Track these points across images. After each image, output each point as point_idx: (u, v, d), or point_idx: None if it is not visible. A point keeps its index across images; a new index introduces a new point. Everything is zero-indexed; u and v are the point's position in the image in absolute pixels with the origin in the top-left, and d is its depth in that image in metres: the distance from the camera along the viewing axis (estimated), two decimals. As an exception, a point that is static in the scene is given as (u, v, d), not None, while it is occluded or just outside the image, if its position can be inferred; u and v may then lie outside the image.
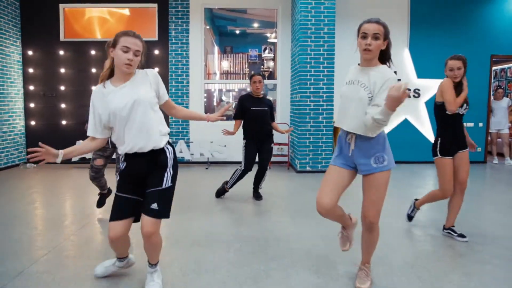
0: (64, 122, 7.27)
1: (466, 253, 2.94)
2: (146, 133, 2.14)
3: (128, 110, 2.10)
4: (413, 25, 7.35)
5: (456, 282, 2.44)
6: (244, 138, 4.59)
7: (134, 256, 2.66)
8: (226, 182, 4.63)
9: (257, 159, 4.60)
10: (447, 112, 3.09)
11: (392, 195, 4.04)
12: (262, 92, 4.56)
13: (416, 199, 3.64)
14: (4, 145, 6.67)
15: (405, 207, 4.10)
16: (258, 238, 3.24)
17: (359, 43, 2.18)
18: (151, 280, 2.29)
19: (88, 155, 6.82)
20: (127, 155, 2.22)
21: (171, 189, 2.21)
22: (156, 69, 7.14)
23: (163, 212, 2.15)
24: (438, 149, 3.19)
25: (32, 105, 7.21)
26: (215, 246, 3.06)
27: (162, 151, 2.22)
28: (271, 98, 6.92)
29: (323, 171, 6.21)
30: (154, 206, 2.12)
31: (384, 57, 2.23)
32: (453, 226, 3.28)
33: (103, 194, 4.03)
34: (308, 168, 6.45)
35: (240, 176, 4.55)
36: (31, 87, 7.19)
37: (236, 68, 10.47)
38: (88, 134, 2.23)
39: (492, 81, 10.02)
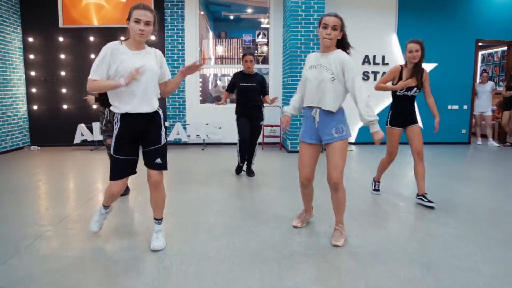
0: (65, 107, 7.55)
1: (432, 218, 3.31)
2: (149, 96, 2.47)
3: (144, 75, 2.40)
4: (401, 11, 7.60)
5: (421, 240, 2.81)
6: (235, 113, 4.87)
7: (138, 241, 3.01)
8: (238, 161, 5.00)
9: None
10: (396, 93, 3.63)
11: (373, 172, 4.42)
12: (255, 71, 4.85)
13: (374, 178, 4.09)
14: (9, 128, 6.96)
15: (388, 180, 4.47)
16: (249, 207, 3.60)
17: (320, 32, 2.58)
18: (156, 237, 2.64)
19: (95, 137, 7.13)
20: (124, 116, 2.46)
21: (166, 145, 2.60)
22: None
23: (165, 165, 2.57)
24: (388, 120, 3.72)
25: (34, 90, 7.48)
26: (211, 213, 3.42)
27: (156, 112, 2.54)
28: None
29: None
30: (158, 161, 2.52)
31: (343, 45, 2.66)
32: (425, 193, 3.65)
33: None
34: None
35: (241, 148, 4.85)
36: (32, 73, 7.45)
37: (231, 53, 10.69)
38: (93, 78, 2.40)
39: (480, 65, 10.36)
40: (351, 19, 7.51)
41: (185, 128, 7.50)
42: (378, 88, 3.67)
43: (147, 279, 2.21)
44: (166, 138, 2.60)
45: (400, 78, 3.61)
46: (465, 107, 8.04)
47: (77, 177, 5.11)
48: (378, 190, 4.05)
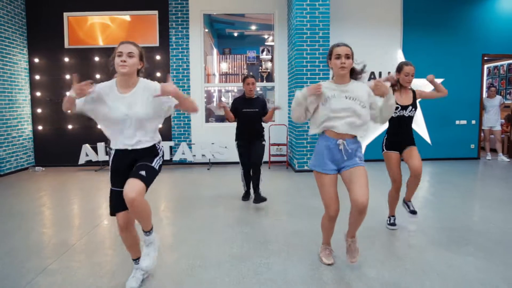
0: (70, 127, 7.52)
1: (451, 247, 3.18)
2: (138, 135, 2.39)
3: (122, 120, 2.34)
4: (406, 26, 7.57)
5: (441, 272, 2.69)
6: (236, 139, 4.73)
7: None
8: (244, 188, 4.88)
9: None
10: (392, 115, 3.42)
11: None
12: (257, 94, 4.73)
13: (404, 199, 3.85)
14: (14, 149, 6.92)
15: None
16: (258, 235, 3.50)
17: (333, 63, 2.56)
18: (146, 253, 2.46)
19: (100, 158, 7.07)
20: (116, 150, 2.43)
21: (157, 171, 2.41)
22: (158, 74, 7.39)
23: (148, 180, 2.31)
24: (384, 144, 3.60)
25: (39, 110, 7.47)
26: (219, 242, 3.31)
27: (152, 147, 2.45)
28: (267, 98, 7.15)
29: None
30: (143, 173, 2.30)
31: (355, 73, 2.68)
32: (409, 201, 3.71)
33: None
34: (306, 167, 6.69)
35: (245, 177, 4.76)
36: (38, 93, 7.45)
37: (235, 70, 10.70)
38: (69, 94, 2.34)
39: (485, 78, 10.28)
40: (356, 36, 7.52)
41: (190, 148, 7.43)
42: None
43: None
44: (159, 169, 2.45)
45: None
46: (473, 122, 7.94)
47: (82, 200, 5.03)
48: (394, 224, 3.73)
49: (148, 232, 2.46)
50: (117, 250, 3.11)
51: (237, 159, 4.80)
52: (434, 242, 3.28)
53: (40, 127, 7.50)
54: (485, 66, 10.26)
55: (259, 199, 4.45)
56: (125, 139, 2.39)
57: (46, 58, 7.41)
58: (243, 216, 4.17)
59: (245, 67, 10.59)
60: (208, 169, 7.22)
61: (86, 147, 7.21)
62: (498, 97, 7.99)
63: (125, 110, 2.35)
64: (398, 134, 3.55)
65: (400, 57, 7.60)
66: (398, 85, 3.56)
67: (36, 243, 3.37)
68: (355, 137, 2.60)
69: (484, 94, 8.33)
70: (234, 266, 2.83)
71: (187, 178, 6.38)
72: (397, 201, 3.68)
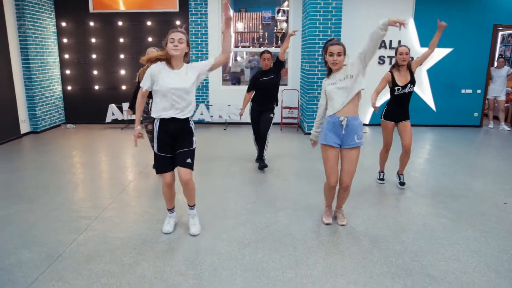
0: (96, 87, 8.11)
1: (430, 210, 3.78)
2: (183, 107, 2.94)
3: (176, 90, 2.88)
4: (419, -5, 7.71)
5: (416, 230, 3.31)
6: (251, 101, 5.14)
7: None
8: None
9: None
10: (394, 94, 4.15)
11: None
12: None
13: (398, 171, 4.49)
14: (47, 108, 7.59)
15: (394, 167, 4.92)
16: (270, 193, 4.14)
17: (328, 60, 3.03)
18: (192, 223, 3.22)
19: (125, 117, 7.68)
20: (162, 120, 2.93)
21: (194, 150, 3.06)
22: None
23: (193, 165, 3.05)
24: (382, 113, 4.29)
25: (67, 72, 8.04)
26: (236, 198, 3.97)
27: (188, 121, 2.99)
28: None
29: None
30: (189, 160, 3.00)
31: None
32: (402, 174, 4.41)
33: None
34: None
35: (256, 141, 5.25)
36: (66, 56, 7.97)
37: (251, 28, 10.92)
38: (142, 86, 2.97)
39: (499, 45, 10.35)
40: (368, 5, 7.71)
41: (208, 109, 7.99)
42: (373, 96, 4.01)
43: (186, 259, 2.79)
44: (195, 144, 3.05)
45: (393, 82, 4.11)
46: (479, 91, 8.22)
47: (112, 157, 5.72)
48: (383, 179, 4.53)
49: (193, 206, 3.22)
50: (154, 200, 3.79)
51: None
52: (417, 204, 3.87)
53: (69, 87, 8.10)
54: (500, 34, 10.30)
55: (261, 166, 5.02)
56: (171, 109, 2.91)
57: (73, 22, 7.85)
58: (256, 176, 4.80)
59: (260, 27, 10.82)
60: (224, 129, 7.81)
61: (112, 107, 7.82)
62: (506, 68, 8.20)
63: (178, 80, 2.88)
64: (397, 108, 4.21)
65: (412, 26, 7.80)
66: (396, 66, 4.12)
67: (84, 195, 4.09)
68: (356, 115, 3.08)
69: (494, 64, 8.53)
70: (249, 219, 3.49)
71: (205, 137, 7.00)
72: (386, 159, 4.47)
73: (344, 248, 2.97)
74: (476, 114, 8.33)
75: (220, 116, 7.97)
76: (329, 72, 3.14)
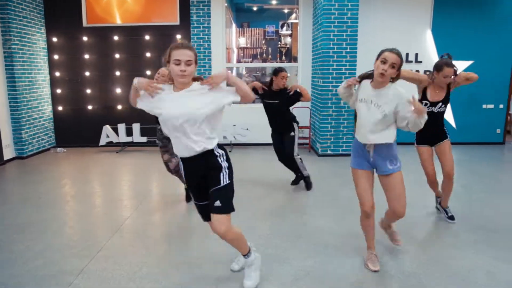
0: (90, 107, 7.46)
1: (489, 249, 3.10)
2: (191, 143, 2.26)
3: (179, 121, 2.22)
4: (437, 6, 7.19)
5: (482, 283, 2.63)
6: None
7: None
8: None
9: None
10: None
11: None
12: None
13: (441, 204, 3.85)
14: (35, 131, 6.92)
15: (423, 192, 4.26)
16: (296, 234, 3.45)
17: (377, 66, 2.48)
18: (247, 275, 2.56)
19: (121, 139, 7.04)
20: (182, 158, 2.38)
21: (228, 186, 2.34)
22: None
23: (227, 207, 2.30)
24: (415, 138, 3.70)
25: (58, 91, 7.39)
26: (260, 245, 3.28)
27: (211, 153, 2.32)
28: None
29: (344, 155, 6.39)
30: (218, 203, 2.28)
31: (394, 79, 2.61)
32: (447, 208, 3.77)
33: (186, 189, 4.26)
34: (329, 152, 6.59)
35: (285, 164, 4.82)
36: (57, 73, 7.35)
37: (253, 44, 10.42)
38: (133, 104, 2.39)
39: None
40: (384, 16, 7.20)
41: (211, 129, 7.35)
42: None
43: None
44: (230, 179, 2.37)
45: (423, 94, 3.49)
46: (501, 106, 7.65)
47: (107, 187, 5.04)
48: (452, 217, 3.75)
49: (246, 255, 2.55)
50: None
51: (258, 141, 4.95)
52: (469, 246, 3.19)
53: (60, 108, 7.45)
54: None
55: (309, 184, 4.74)
56: (184, 144, 2.28)
57: (64, 37, 7.25)
58: (272, 208, 4.12)
59: (263, 42, 10.32)
60: (230, 151, 7.16)
61: (107, 128, 7.17)
62: (530, 81, 7.65)
63: (183, 108, 2.22)
64: (428, 130, 3.37)
65: (429, 38, 7.27)
66: (433, 82, 3.46)
67: (68, 240, 3.39)
68: (389, 142, 2.61)
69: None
70: (270, 269, 2.79)
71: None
72: (436, 185, 3.81)
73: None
74: (498, 131, 7.75)
75: (224, 137, 7.33)
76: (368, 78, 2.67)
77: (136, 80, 2.29)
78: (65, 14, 7.16)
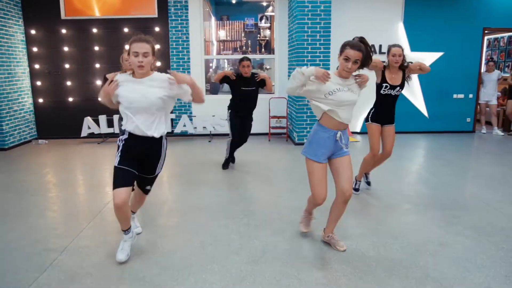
0: (70, 99, 7.54)
1: (441, 225, 3.40)
2: (149, 124, 2.58)
3: (140, 103, 2.52)
4: (408, 0, 7.50)
5: (432, 251, 2.91)
6: (229, 109, 5.08)
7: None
8: (226, 155, 5.31)
9: None
10: (381, 92, 3.87)
11: (386, 167, 4.55)
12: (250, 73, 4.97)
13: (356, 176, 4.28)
14: (16, 123, 6.97)
15: (394, 177, 4.56)
16: (263, 212, 3.69)
17: (341, 63, 2.64)
18: (121, 248, 2.81)
19: (102, 130, 7.13)
20: (130, 134, 2.61)
21: (158, 174, 2.86)
22: (157, 46, 7.32)
23: (150, 190, 2.93)
24: (369, 116, 4.01)
25: (38, 83, 7.44)
26: (227, 221, 3.50)
27: (158, 141, 2.66)
28: (267, 67, 7.39)
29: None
30: (149, 187, 2.89)
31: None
32: (368, 173, 4.33)
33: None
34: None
35: (232, 147, 5.16)
36: (37, 66, 7.39)
37: (233, 36, 10.56)
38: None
39: (485, 50, 10.26)
40: (357, 8, 7.46)
41: (191, 120, 7.52)
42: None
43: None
44: (161, 168, 2.81)
45: (383, 77, 3.83)
46: (471, 96, 8.03)
47: (88, 177, 5.18)
48: (369, 183, 4.36)
49: (126, 231, 2.79)
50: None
51: None
52: (428, 220, 3.49)
53: (40, 100, 7.50)
54: (485, 38, 10.22)
55: (227, 166, 5.28)
56: (140, 124, 2.56)
57: (43, 30, 7.29)
58: (246, 192, 4.36)
59: (243, 34, 10.47)
60: (209, 141, 7.35)
61: (88, 120, 7.27)
62: (497, 72, 8.04)
63: (144, 93, 2.53)
64: (383, 110, 3.96)
65: (401, 30, 7.57)
66: (388, 65, 3.84)
67: (51, 222, 3.55)
68: (347, 127, 2.82)
69: (483, 68, 8.38)
70: (242, 245, 3.03)
71: (190, 150, 6.53)
72: (372, 165, 4.18)
73: (357, 278, 2.54)
74: (468, 120, 8.14)
75: (204, 127, 7.51)
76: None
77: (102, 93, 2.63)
78: (43, 7, 7.19)
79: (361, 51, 2.58)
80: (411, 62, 3.88)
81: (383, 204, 3.92)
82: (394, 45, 3.79)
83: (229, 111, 5.08)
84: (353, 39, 2.69)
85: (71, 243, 3.08)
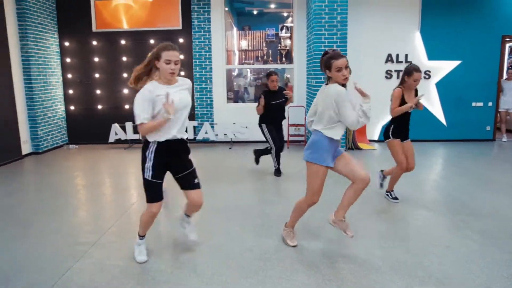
0: (99, 107, 7.99)
1: (451, 229, 3.51)
2: (180, 128, 2.75)
3: (179, 107, 2.68)
4: (425, 8, 7.57)
5: (439, 253, 3.04)
6: (264, 123, 5.32)
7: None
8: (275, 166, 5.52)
9: None
10: None
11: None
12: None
13: (382, 170, 4.49)
14: (50, 128, 7.46)
15: (409, 184, 4.67)
16: (279, 215, 3.89)
17: (336, 76, 2.70)
18: (191, 230, 3.16)
19: (128, 136, 7.51)
20: (159, 144, 2.67)
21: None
22: (181, 56, 7.69)
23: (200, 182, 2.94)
24: (391, 133, 4.08)
25: (70, 91, 7.95)
26: (251, 227, 3.73)
27: (186, 141, 2.85)
28: (287, 75, 7.63)
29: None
30: (197, 180, 2.89)
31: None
32: (392, 191, 4.32)
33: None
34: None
35: (277, 155, 5.42)
36: (69, 75, 7.90)
37: (254, 46, 10.87)
38: (140, 122, 2.60)
39: (507, 57, 10.16)
40: (374, 18, 7.60)
41: (213, 127, 7.82)
42: (395, 113, 3.95)
43: None
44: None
45: (403, 100, 3.96)
46: (490, 104, 7.99)
47: (115, 179, 5.52)
48: (396, 198, 4.29)
49: (143, 236, 2.99)
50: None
51: (257, 138, 5.52)
52: (437, 224, 3.61)
53: (72, 107, 7.99)
54: (507, 45, 10.13)
55: (280, 172, 5.48)
56: (172, 129, 2.68)
57: (76, 42, 7.80)
58: (264, 196, 4.57)
59: (264, 44, 10.76)
60: (230, 148, 7.62)
61: (115, 126, 7.68)
62: (517, 79, 8.00)
63: (180, 97, 2.70)
64: (402, 126, 4.10)
65: (418, 39, 7.66)
66: (403, 86, 3.98)
67: (81, 220, 3.87)
68: None
69: (504, 76, 8.33)
70: (255, 243, 3.24)
71: (211, 157, 6.81)
72: (397, 179, 4.28)
73: (361, 276, 2.71)
74: (488, 128, 8.09)
75: (225, 134, 7.79)
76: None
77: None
78: (76, 20, 7.70)
79: (345, 56, 2.72)
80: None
81: (395, 209, 4.05)
82: (418, 70, 3.83)
83: (263, 124, 5.33)
84: (324, 54, 2.78)
85: (99, 238, 3.37)
